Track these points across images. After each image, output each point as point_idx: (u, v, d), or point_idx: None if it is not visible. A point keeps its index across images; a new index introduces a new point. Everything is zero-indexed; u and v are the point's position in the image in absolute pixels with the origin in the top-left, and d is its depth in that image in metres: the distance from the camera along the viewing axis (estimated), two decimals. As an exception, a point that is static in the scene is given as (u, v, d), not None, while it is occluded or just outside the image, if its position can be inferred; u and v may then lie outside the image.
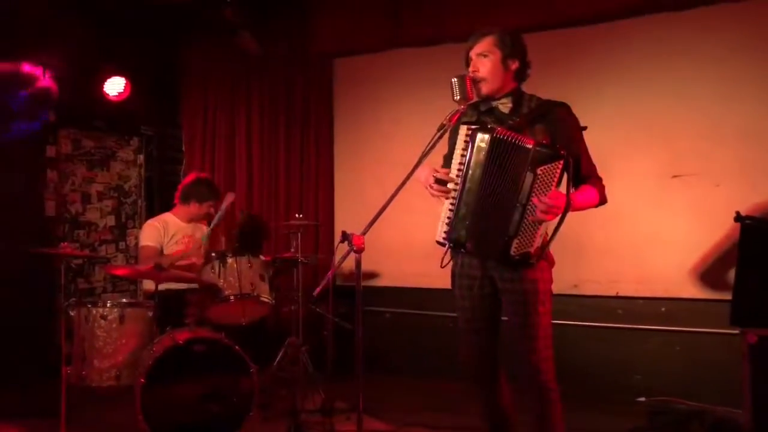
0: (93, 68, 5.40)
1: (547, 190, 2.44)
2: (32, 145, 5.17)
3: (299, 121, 5.55)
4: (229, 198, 4.37)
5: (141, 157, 6.03)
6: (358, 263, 2.39)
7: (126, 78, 5.50)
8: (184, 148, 6.16)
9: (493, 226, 2.53)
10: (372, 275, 5.18)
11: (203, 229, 4.65)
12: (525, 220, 2.48)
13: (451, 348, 3.11)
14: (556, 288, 2.70)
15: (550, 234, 2.57)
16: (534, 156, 2.43)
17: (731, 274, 4.04)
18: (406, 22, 5.01)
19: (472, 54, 2.68)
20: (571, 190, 2.55)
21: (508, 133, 2.49)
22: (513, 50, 2.66)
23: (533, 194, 2.45)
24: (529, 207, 2.46)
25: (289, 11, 5.55)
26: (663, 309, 4.40)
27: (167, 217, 4.52)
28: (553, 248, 2.67)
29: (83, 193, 5.63)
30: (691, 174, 4.31)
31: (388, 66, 5.35)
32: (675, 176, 4.35)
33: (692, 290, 4.29)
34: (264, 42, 5.53)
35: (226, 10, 5.25)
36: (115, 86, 5.49)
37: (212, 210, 4.62)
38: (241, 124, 5.78)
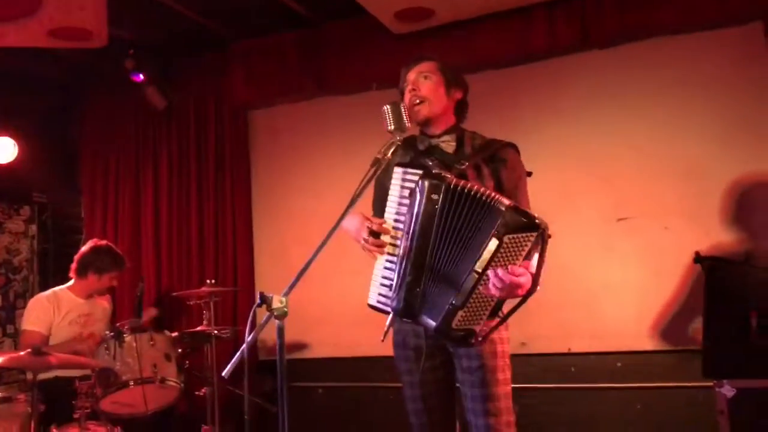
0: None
1: (510, 263, 2.03)
2: None
3: (212, 178, 5.05)
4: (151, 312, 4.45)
5: (33, 228, 5.40)
6: (281, 330, 1.93)
7: (15, 139, 4.93)
8: (84, 215, 5.55)
9: (442, 292, 2.12)
10: (299, 346, 4.65)
11: (105, 306, 4.19)
12: (476, 292, 2.07)
13: (395, 423, 2.79)
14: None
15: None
16: (505, 220, 2.00)
17: (688, 322, 3.82)
18: (329, 68, 4.66)
19: (412, 74, 2.36)
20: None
21: (470, 185, 2.09)
22: (456, 80, 2.41)
23: (493, 264, 2.02)
24: (485, 278, 2.04)
25: (199, 60, 5.15)
26: (619, 364, 4.07)
27: (61, 292, 4.02)
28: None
29: (-39, 272, 4.94)
30: (637, 216, 4.07)
31: (309, 116, 4.97)
32: (621, 219, 4.11)
33: (648, 342, 3.98)
34: (172, 94, 5.09)
35: (127, 62, 4.82)
36: (1, 149, 4.91)
37: (114, 282, 4.20)
38: (148, 184, 5.24)
